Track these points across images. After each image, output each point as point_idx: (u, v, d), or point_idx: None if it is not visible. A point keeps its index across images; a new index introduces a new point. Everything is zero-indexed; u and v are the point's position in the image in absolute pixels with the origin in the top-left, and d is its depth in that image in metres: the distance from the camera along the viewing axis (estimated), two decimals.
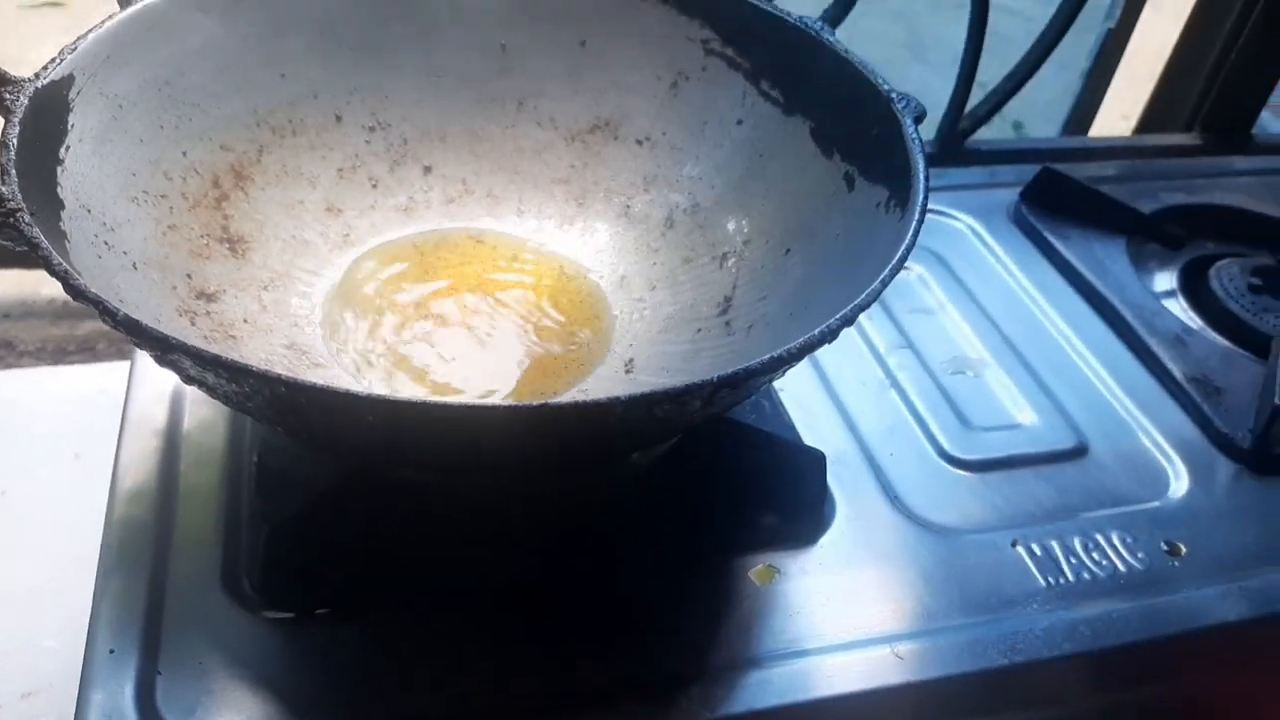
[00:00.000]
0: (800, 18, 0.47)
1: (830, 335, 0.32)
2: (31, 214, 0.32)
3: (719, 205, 0.49)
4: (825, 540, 0.43)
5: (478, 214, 0.51)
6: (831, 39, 0.46)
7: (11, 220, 0.32)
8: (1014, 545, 0.44)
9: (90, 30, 0.40)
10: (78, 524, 0.58)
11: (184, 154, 0.44)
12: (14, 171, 0.33)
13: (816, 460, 0.42)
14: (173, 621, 0.37)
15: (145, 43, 0.42)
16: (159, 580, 0.38)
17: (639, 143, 0.51)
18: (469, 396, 0.43)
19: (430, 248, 0.49)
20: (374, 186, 0.50)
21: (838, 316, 0.32)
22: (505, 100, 0.52)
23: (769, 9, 0.47)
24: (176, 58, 0.43)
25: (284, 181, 0.47)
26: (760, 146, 0.48)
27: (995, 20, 0.65)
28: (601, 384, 0.44)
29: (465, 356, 0.45)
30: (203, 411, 0.45)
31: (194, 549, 0.40)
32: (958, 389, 0.50)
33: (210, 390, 0.31)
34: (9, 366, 0.66)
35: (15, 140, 0.35)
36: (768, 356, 0.31)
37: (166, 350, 0.29)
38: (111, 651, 0.36)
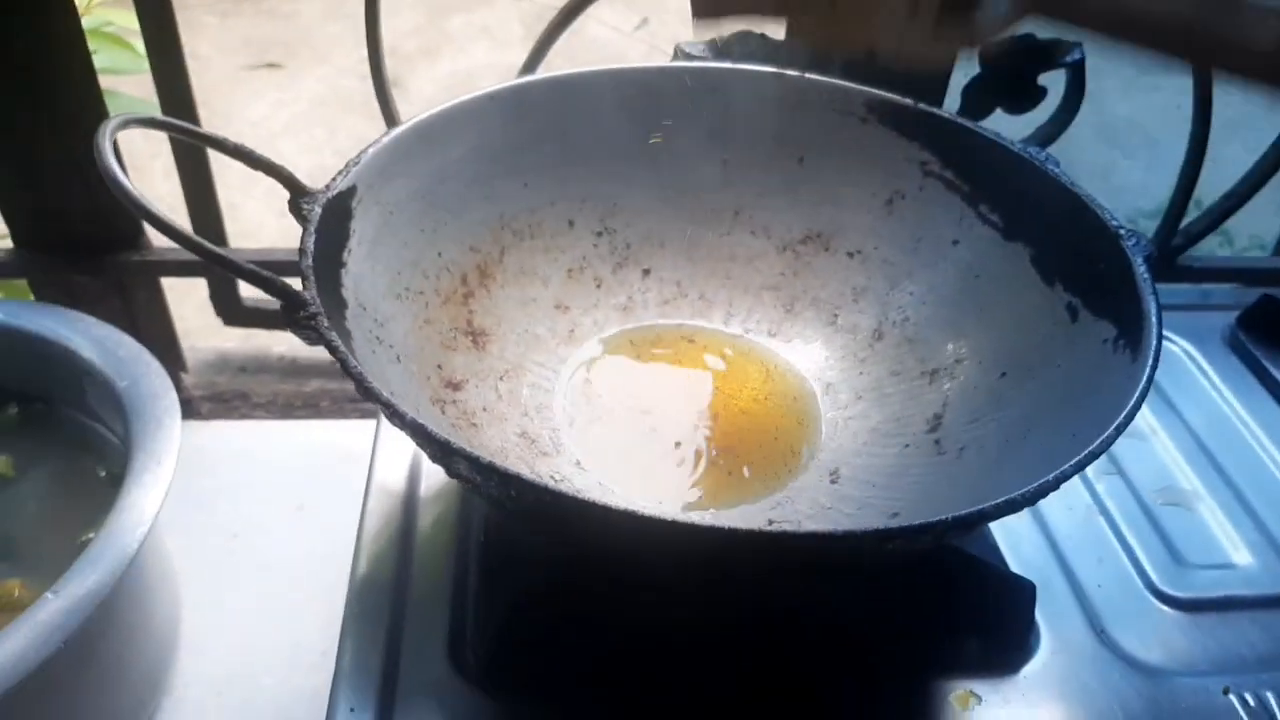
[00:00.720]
0: (1024, 146, 0.48)
1: (1064, 479, 0.33)
2: (328, 316, 0.36)
3: (930, 322, 0.50)
4: (1028, 670, 0.42)
5: (690, 315, 0.54)
6: (1056, 170, 0.47)
7: (313, 323, 0.36)
8: (1226, 693, 0.42)
9: (369, 146, 0.45)
10: (298, 571, 0.63)
11: (439, 254, 0.48)
12: (313, 276, 0.38)
13: (1026, 591, 0.42)
14: (406, 686, 0.40)
15: (415, 156, 0.47)
16: (394, 643, 0.42)
17: (850, 255, 0.53)
18: (676, 497, 0.45)
19: (645, 345, 0.52)
20: (598, 286, 0.53)
21: (1072, 462, 0.33)
22: (723, 210, 0.54)
23: (991, 136, 0.49)
24: (439, 169, 0.48)
25: (520, 280, 0.51)
26: (976, 268, 0.49)
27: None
28: (806, 493, 0.46)
29: (674, 455, 0.47)
30: (437, 482, 0.49)
31: (425, 616, 0.43)
32: (1169, 521, 0.49)
33: (474, 487, 0.34)
34: (243, 417, 0.72)
35: (312, 247, 0.39)
36: (1004, 499, 0.32)
37: (448, 454, 0.32)
38: (352, 710, 0.39)
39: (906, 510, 0.42)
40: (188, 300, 0.80)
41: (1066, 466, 0.33)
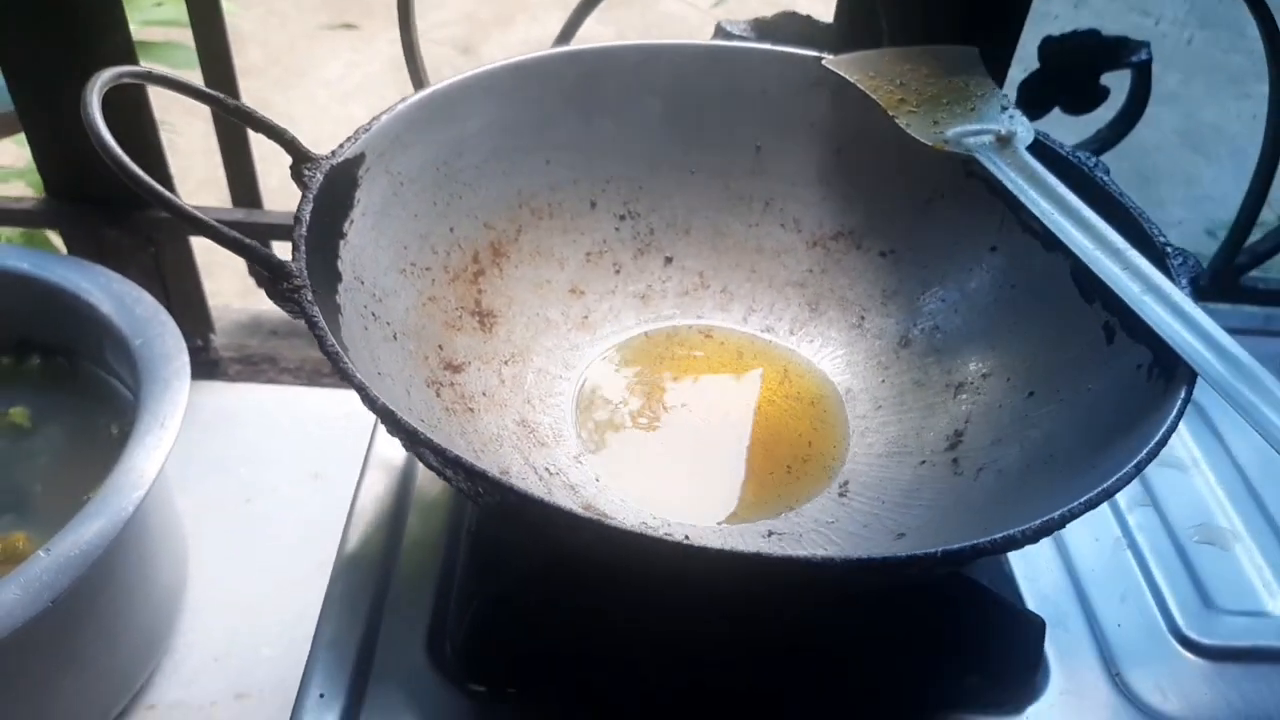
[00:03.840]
0: (1074, 151, 0.45)
1: (1070, 518, 0.30)
2: (314, 290, 0.35)
3: (960, 332, 0.47)
4: (1034, 710, 0.40)
5: (710, 308, 0.52)
6: (1105, 178, 0.44)
7: (295, 296, 0.35)
8: None
9: (383, 113, 0.44)
10: (307, 542, 0.63)
11: (451, 229, 0.47)
12: (304, 247, 0.37)
13: (1034, 627, 0.40)
14: (379, 674, 0.39)
15: (430, 125, 0.45)
16: (372, 631, 0.41)
17: (883, 255, 0.50)
18: (672, 499, 0.44)
19: (661, 338, 0.50)
20: (617, 272, 0.51)
21: (1081, 501, 0.30)
22: (753, 199, 0.52)
23: (1043, 139, 0.46)
24: (456, 140, 0.47)
25: (536, 261, 0.49)
26: (1013, 278, 0.46)
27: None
28: (812, 505, 0.43)
29: (680, 455, 0.45)
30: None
31: (407, 605, 0.42)
32: (1203, 561, 0.46)
33: (445, 478, 0.33)
34: (270, 381, 0.72)
35: (308, 215, 0.38)
36: (1001, 535, 0.29)
37: (414, 442, 0.31)
38: (321, 696, 0.38)
39: (914, 532, 0.40)
40: (229, 263, 0.80)
41: (1075, 504, 0.30)
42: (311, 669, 0.39)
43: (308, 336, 0.78)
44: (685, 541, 0.29)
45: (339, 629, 0.41)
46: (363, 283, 0.41)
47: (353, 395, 0.74)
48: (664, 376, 0.49)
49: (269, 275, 0.35)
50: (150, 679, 0.55)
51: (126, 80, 0.35)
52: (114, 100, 0.35)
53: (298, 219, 0.37)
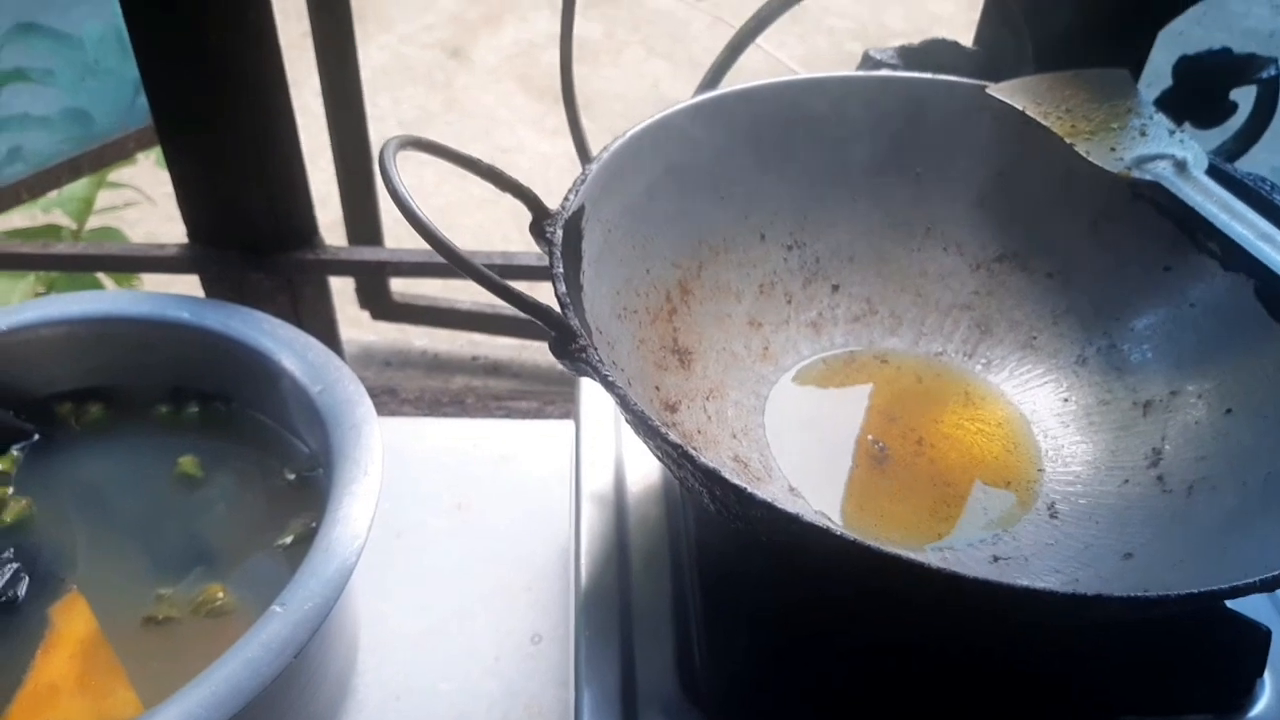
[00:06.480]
0: (1248, 174, 0.47)
1: None
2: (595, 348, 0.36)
3: (1139, 351, 0.49)
4: (1253, 716, 0.42)
5: (881, 334, 0.53)
6: None
7: (583, 356, 0.36)
8: None
9: (593, 162, 0.45)
10: (462, 573, 0.64)
11: (647, 271, 0.48)
12: (570, 303, 0.38)
13: (1259, 637, 0.42)
14: (645, 705, 0.40)
15: (627, 172, 0.46)
16: (628, 663, 0.42)
17: (1049, 275, 0.52)
18: (892, 527, 0.45)
19: (839, 365, 0.52)
20: (788, 302, 0.52)
21: None
22: (914, 225, 0.54)
23: (1215, 162, 0.47)
24: (647, 184, 0.48)
25: (716, 296, 0.51)
26: (1191, 297, 0.48)
27: None
28: (1026, 527, 0.45)
29: (883, 483, 0.47)
30: (641, 487, 0.49)
31: (652, 631, 0.43)
32: None
33: (740, 522, 0.34)
34: (392, 413, 0.73)
35: (562, 270, 0.39)
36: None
37: (743, 501, 0.32)
38: None
39: (1140, 551, 0.42)
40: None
41: None
42: (581, 701, 0.40)
43: (420, 365, 0.79)
44: (977, 578, 0.31)
45: (597, 663, 0.42)
46: (600, 331, 0.42)
47: (480, 425, 0.74)
48: (849, 404, 0.50)
49: (559, 338, 0.36)
50: None
51: (409, 149, 0.35)
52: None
53: (555, 275, 0.38)
